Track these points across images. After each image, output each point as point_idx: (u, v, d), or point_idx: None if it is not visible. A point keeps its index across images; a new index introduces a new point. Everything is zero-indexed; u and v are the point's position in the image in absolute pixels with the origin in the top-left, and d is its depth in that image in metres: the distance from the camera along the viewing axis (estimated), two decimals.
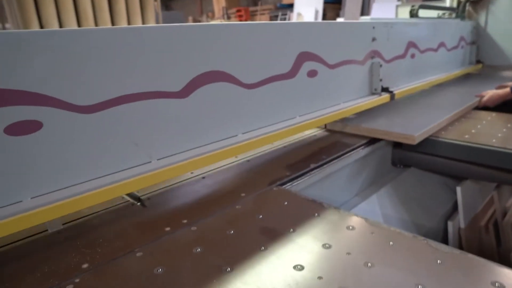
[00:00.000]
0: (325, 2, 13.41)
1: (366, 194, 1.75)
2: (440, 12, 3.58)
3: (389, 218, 1.70)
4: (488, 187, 2.16)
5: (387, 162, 2.00)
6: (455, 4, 3.63)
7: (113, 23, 5.65)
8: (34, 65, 0.87)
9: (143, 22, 6.01)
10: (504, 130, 1.89)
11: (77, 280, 0.83)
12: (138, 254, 0.92)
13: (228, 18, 16.73)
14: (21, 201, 0.89)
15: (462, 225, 1.89)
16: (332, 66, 1.75)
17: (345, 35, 1.83)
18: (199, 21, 19.20)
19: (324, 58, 1.69)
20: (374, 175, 1.89)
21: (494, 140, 1.72)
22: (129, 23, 5.81)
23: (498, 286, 0.78)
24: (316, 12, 13.41)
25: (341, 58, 1.81)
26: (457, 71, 3.14)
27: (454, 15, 3.57)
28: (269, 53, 1.44)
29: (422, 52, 2.58)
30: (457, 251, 0.91)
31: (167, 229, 1.04)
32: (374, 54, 2.05)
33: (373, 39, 2.02)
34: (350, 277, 0.82)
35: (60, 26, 5.04)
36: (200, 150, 1.24)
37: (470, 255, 0.90)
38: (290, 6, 14.52)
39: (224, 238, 0.98)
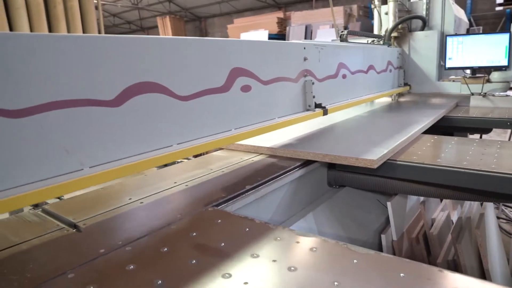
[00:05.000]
0: (270, 38, 13.99)
1: (303, 213, 1.81)
2: (369, 39, 3.90)
3: (325, 235, 1.76)
4: (416, 201, 2.31)
5: (323, 183, 2.08)
6: (382, 32, 4.01)
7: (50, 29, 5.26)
8: None
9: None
10: (424, 148, 2.05)
11: None
12: (70, 276, 0.91)
13: None
14: None
15: (395, 238, 2.01)
16: (265, 82, 1.85)
17: (277, 54, 1.94)
18: None
19: (257, 74, 1.78)
20: (311, 196, 1.96)
21: (414, 157, 1.86)
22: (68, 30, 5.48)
23: (403, 276, 0.86)
24: None
25: (275, 75, 1.91)
26: (388, 91, 3.41)
27: (381, 41, 3.91)
28: (203, 67, 1.51)
29: (353, 73, 2.78)
30: (372, 252, 0.98)
31: (102, 250, 1.03)
32: (307, 72, 2.18)
33: (305, 59, 2.16)
34: (275, 281, 0.87)
35: None
36: (134, 158, 1.24)
37: (384, 254, 0.98)
38: None
39: (158, 255, 1.00)
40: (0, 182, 0.95)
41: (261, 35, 14.07)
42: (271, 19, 14.77)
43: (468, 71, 3.99)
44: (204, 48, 1.51)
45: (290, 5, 17.31)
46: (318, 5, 15.01)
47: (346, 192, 2.10)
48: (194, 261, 0.96)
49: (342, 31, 3.10)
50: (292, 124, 1.97)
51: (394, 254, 2.03)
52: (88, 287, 0.85)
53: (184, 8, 20.33)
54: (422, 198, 2.31)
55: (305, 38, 13.25)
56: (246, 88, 1.73)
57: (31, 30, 4.75)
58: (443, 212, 2.40)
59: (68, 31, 5.30)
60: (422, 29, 4.06)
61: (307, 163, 1.89)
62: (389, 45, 3.94)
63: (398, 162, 1.83)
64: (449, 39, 3.84)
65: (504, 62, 3.59)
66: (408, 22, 4.12)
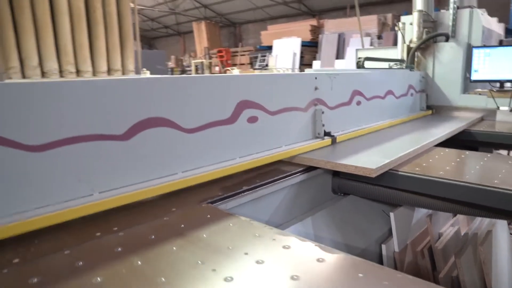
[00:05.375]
0: (302, 45, 14.08)
1: (303, 217, 1.88)
2: (392, 63, 3.89)
3: (321, 239, 1.83)
4: (424, 214, 2.33)
5: (327, 189, 2.15)
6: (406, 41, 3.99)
7: (92, 60, 5.81)
8: None
9: (122, 60, 6.19)
10: (430, 160, 2.07)
11: (5, 271, 0.96)
12: (66, 252, 1.06)
13: (210, 58, 17.28)
14: None
15: (396, 249, 2.04)
16: (273, 113, 1.95)
17: (286, 85, 2.05)
18: (181, 60, 19.73)
19: (264, 106, 1.89)
20: (313, 201, 2.03)
21: (417, 169, 1.89)
22: (108, 60, 5.98)
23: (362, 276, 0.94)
24: (294, 54, 14.02)
25: (283, 106, 2.01)
26: (406, 117, 3.40)
27: (404, 65, 3.89)
28: (209, 102, 1.63)
29: (368, 99, 2.82)
30: (337, 252, 1.07)
31: (98, 234, 1.18)
32: (317, 101, 2.26)
33: (316, 88, 2.24)
34: (241, 271, 0.97)
35: (40, 60, 5.16)
36: (140, 186, 1.39)
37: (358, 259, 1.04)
38: (269, 48, 15.15)
39: (146, 241, 1.13)
40: (22, 204, 1.14)
41: (294, 42, 14.15)
42: (305, 26, 14.82)
43: (497, 84, 3.89)
44: (211, 84, 1.64)
45: (324, 12, 17.28)
46: (352, 14, 14.89)
47: (350, 200, 2.15)
48: (175, 247, 1.09)
49: (359, 58, 3.13)
50: (298, 152, 2.04)
51: (395, 265, 2.07)
52: (78, 262, 0.99)
53: (220, 14, 20.76)
54: (429, 211, 2.32)
55: (338, 46, 13.21)
56: (252, 119, 1.84)
57: (72, 34, 5.13)
58: (453, 227, 2.40)
59: (106, 34, 5.66)
60: (447, 40, 4.00)
61: (309, 169, 1.96)
62: (412, 68, 3.90)
63: (400, 173, 1.87)
64: (475, 51, 3.78)
65: None
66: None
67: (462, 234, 2.45)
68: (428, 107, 3.96)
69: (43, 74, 5.12)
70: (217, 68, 16.20)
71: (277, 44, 14.71)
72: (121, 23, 5.84)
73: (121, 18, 5.76)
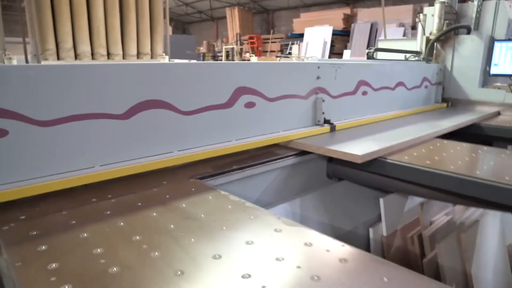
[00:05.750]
0: (334, 34, 13.91)
1: (292, 198, 2.00)
2: (408, 55, 3.88)
3: (307, 220, 1.94)
4: (417, 203, 2.40)
5: (322, 174, 2.25)
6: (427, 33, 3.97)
7: (123, 43, 6.04)
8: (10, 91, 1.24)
9: (152, 44, 6.40)
10: (423, 150, 2.14)
11: (12, 225, 1.16)
12: (63, 213, 1.24)
13: (241, 44, 17.39)
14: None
15: (384, 233, 2.14)
16: (271, 100, 2.07)
17: (287, 73, 2.15)
18: (213, 46, 19.94)
19: (263, 92, 2.01)
20: (307, 185, 2.14)
21: (406, 158, 1.96)
22: (138, 44, 6.19)
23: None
24: (325, 43, 13.89)
25: (282, 93, 2.12)
26: (418, 109, 3.42)
27: (421, 57, 3.88)
28: (206, 87, 1.77)
29: (376, 90, 2.88)
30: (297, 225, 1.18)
31: (93, 200, 1.36)
32: (319, 90, 2.36)
33: (318, 77, 2.33)
34: (207, 233, 1.11)
35: (74, 43, 5.45)
36: (138, 161, 1.55)
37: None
38: (301, 36, 15.06)
39: (133, 207, 1.30)
40: (32, 172, 1.33)
41: (325, 31, 14.00)
42: (337, 15, 14.62)
43: None
44: (208, 71, 1.78)
45: (359, 1, 16.95)
46: (388, 3, 14.53)
47: (343, 185, 2.24)
48: (155, 213, 1.25)
49: (369, 49, 3.17)
50: (295, 138, 2.13)
51: (382, 248, 2.16)
52: (71, 221, 1.17)
53: (253, 0, 20.76)
54: (423, 200, 2.39)
55: (370, 36, 12.97)
56: (250, 105, 1.96)
57: (105, 18, 5.42)
58: (447, 216, 2.45)
59: (137, 19, 5.93)
60: (468, 33, 3.94)
61: (303, 153, 2.08)
62: (428, 61, 3.88)
63: (388, 161, 1.95)
64: (496, 44, 3.72)
65: None
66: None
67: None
68: (444, 100, 3.94)
69: (76, 56, 5.42)
70: (247, 55, 16.30)
71: (308, 32, 14.60)
72: (152, 8, 6.05)
73: (152, 2, 5.97)
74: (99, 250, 1.00)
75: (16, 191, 1.27)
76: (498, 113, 3.64)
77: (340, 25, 14.28)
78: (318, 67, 2.34)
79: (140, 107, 1.56)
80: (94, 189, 1.44)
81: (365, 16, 13.75)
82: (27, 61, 2.53)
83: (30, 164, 1.33)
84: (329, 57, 13.50)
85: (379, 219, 2.24)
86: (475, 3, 3.94)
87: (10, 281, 0.91)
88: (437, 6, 3.96)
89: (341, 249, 1.04)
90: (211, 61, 2.21)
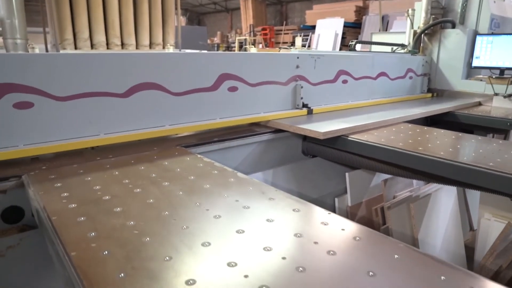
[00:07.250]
0: (345, 26, 14.08)
1: (266, 169, 2.34)
2: (394, 47, 4.17)
3: (276, 186, 2.27)
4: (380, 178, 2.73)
5: (298, 151, 2.59)
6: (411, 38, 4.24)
7: (136, 34, 6.47)
8: (34, 73, 1.62)
9: (164, 35, 6.81)
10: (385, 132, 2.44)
11: (36, 171, 1.55)
12: (74, 166, 1.63)
13: (254, 35, 17.67)
14: (17, 146, 1.63)
15: (349, 203, 2.48)
16: (253, 85, 2.42)
17: (267, 62, 2.49)
18: (227, 36, 20.27)
19: (244, 78, 2.36)
20: (283, 160, 2.48)
21: (382, 140, 2.26)
22: (150, 34, 6.61)
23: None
24: (336, 35, 14.08)
25: (263, 79, 2.47)
26: (401, 97, 3.72)
27: (406, 49, 4.15)
28: (194, 73, 2.13)
29: (356, 79, 3.19)
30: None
31: (98, 158, 1.75)
32: (298, 78, 2.69)
33: (297, 66, 2.67)
34: (179, 181, 1.44)
35: (90, 34, 5.88)
36: (135, 131, 1.93)
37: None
38: (313, 28, 15.26)
39: (127, 163, 1.68)
40: (52, 135, 1.72)
41: (337, 22, 14.19)
42: (350, 7, 14.76)
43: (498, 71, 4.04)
44: (196, 59, 2.14)
45: None
46: None
47: (316, 161, 2.57)
48: (143, 167, 1.62)
49: (351, 41, 3.47)
50: (273, 118, 2.48)
51: (347, 216, 2.49)
52: (79, 170, 1.56)
53: None
54: (386, 176, 2.71)
55: (380, 28, 13.10)
56: (233, 89, 2.32)
57: (120, 9, 5.83)
58: (411, 192, 2.76)
59: (150, 10, 6.35)
60: (453, 27, 4.17)
61: (278, 131, 2.42)
62: (414, 53, 4.14)
63: (349, 138, 2.28)
64: (478, 38, 3.98)
65: None
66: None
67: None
68: (431, 90, 4.22)
69: (92, 46, 5.85)
70: (260, 46, 16.57)
71: (320, 24, 14.80)
72: (164, 0, 6.45)
73: None
74: (97, 187, 1.38)
75: (40, 149, 1.66)
76: (479, 103, 3.91)
77: (352, 17, 14.43)
78: (298, 58, 2.67)
79: (137, 88, 1.93)
80: (99, 151, 1.83)
81: (376, 8, 13.84)
82: (47, 50, 2.92)
83: (50, 130, 1.71)
84: (340, 49, 13.68)
85: (346, 192, 2.58)
86: None
87: (36, 203, 1.29)
88: (424, 1, 4.21)
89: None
90: (198, 51, 2.54)
